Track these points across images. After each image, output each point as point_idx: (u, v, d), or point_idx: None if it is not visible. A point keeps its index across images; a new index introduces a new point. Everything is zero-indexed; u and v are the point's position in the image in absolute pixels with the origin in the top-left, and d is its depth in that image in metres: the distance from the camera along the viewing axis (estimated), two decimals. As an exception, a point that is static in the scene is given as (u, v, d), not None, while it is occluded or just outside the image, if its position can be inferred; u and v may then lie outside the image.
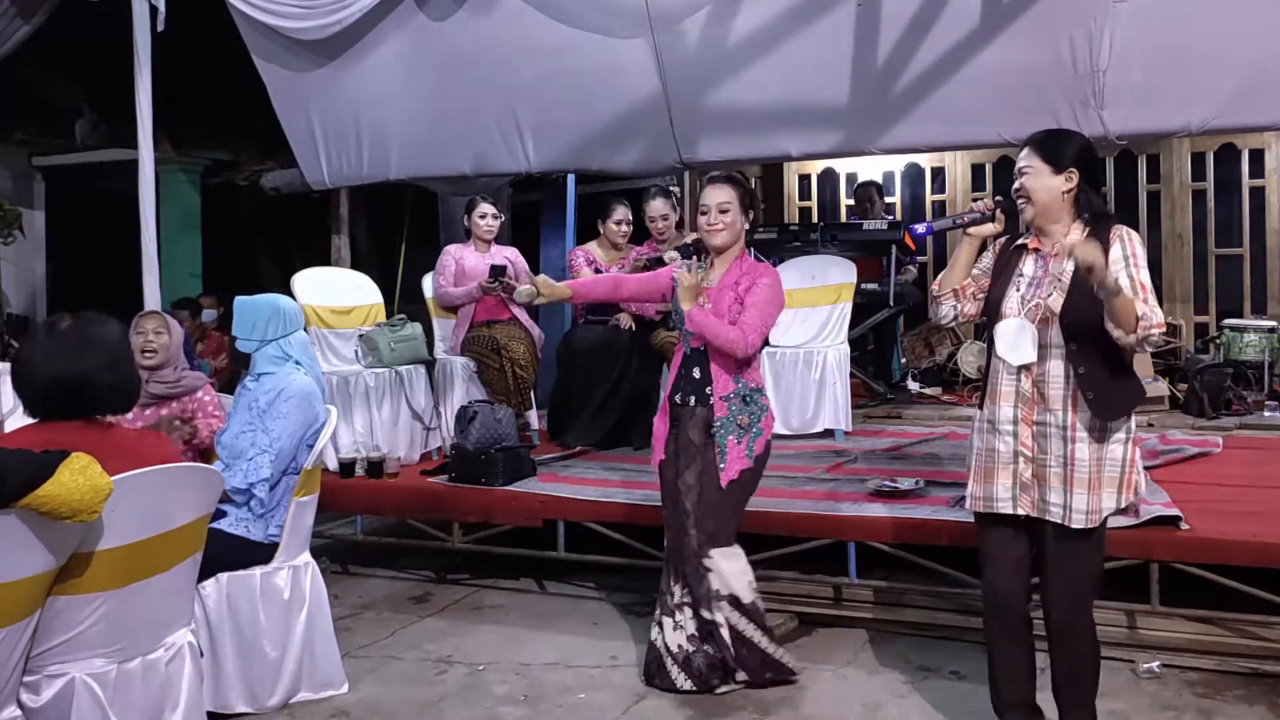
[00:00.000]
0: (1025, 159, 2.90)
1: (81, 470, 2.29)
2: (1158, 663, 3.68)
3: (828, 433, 5.99)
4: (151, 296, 5.38)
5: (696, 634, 3.58)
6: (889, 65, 5.26)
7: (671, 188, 6.68)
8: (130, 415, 3.94)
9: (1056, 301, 2.82)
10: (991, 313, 2.95)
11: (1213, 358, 6.90)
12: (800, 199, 9.89)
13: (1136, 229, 9.25)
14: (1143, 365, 6.64)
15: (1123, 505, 2.86)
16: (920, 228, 3.20)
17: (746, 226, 3.66)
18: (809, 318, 6.26)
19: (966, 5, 5.05)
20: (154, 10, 5.35)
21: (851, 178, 9.37)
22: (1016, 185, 2.92)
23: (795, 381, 6.03)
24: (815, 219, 9.50)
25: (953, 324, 3.13)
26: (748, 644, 3.56)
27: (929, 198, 9.45)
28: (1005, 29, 5.02)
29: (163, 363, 4.07)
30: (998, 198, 3.05)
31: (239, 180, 9.76)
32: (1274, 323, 6.97)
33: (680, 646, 3.58)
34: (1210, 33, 4.74)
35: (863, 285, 6.67)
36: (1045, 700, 3.04)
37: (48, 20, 6.26)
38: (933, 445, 5.77)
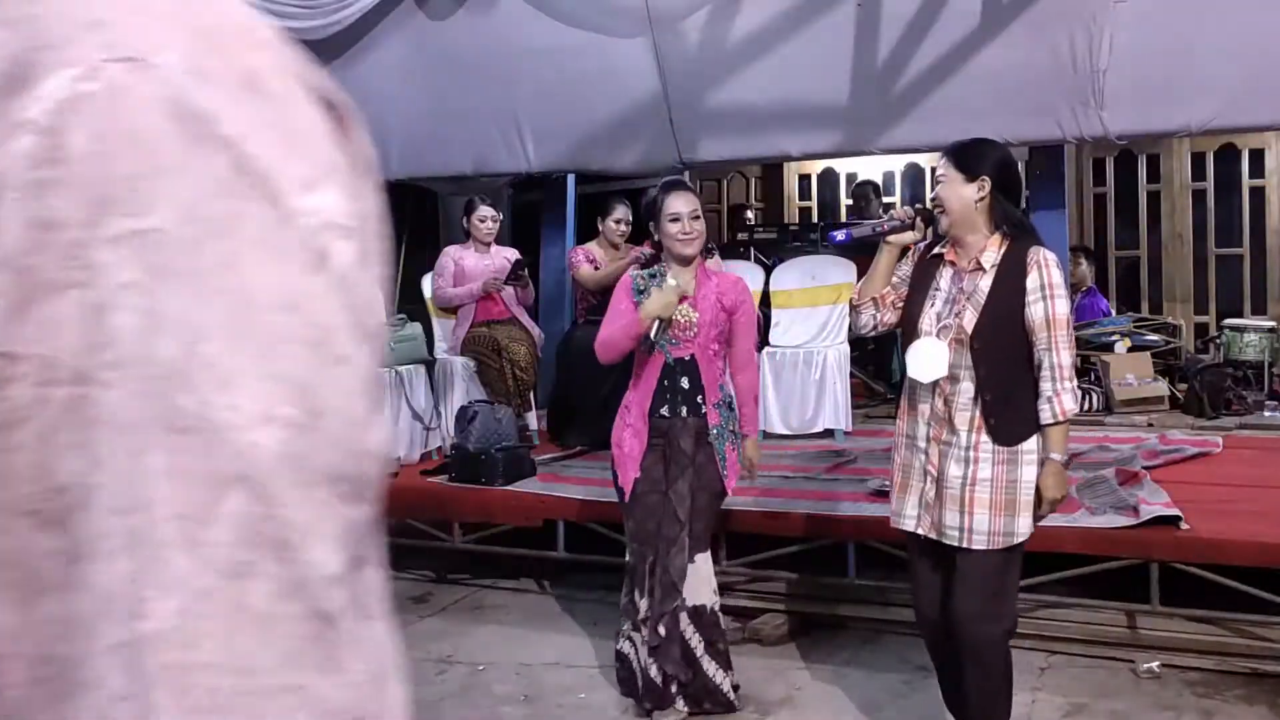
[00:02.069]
0: (941, 167, 2.87)
1: None
2: (1158, 663, 3.68)
3: (828, 433, 5.98)
4: (151, 296, 5.39)
5: (654, 647, 3.44)
6: (889, 65, 5.27)
7: (671, 188, 6.68)
8: None
9: (970, 321, 2.76)
10: (908, 327, 2.90)
11: (1213, 358, 6.89)
12: (800, 199, 9.90)
13: (1136, 229, 9.26)
14: (1143, 365, 6.64)
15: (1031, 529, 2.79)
16: (839, 234, 3.16)
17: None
18: (809, 318, 6.26)
19: (966, 5, 5.06)
20: (154, 10, 5.35)
21: (851, 178, 9.38)
22: (934, 194, 2.90)
23: (795, 381, 6.03)
24: (815, 219, 9.50)
25: (872, 333, 3.11)
26: (695, 665, 3.44)
27: (929, 197, 9.44)
28: (1005, 29, 5.03)
29: None
30: (916, 205, 3.01)
31: (239, 180, 9.75)
32: (1274, 323, 6.97)
33: (645, 662, 3.46)
34: (1210, 33, 4.75)
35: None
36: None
37: (48, 20, 6.26)
38: (933, 445, 5.76)
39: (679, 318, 3.49)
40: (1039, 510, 2.75)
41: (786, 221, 9.17)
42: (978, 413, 2.75)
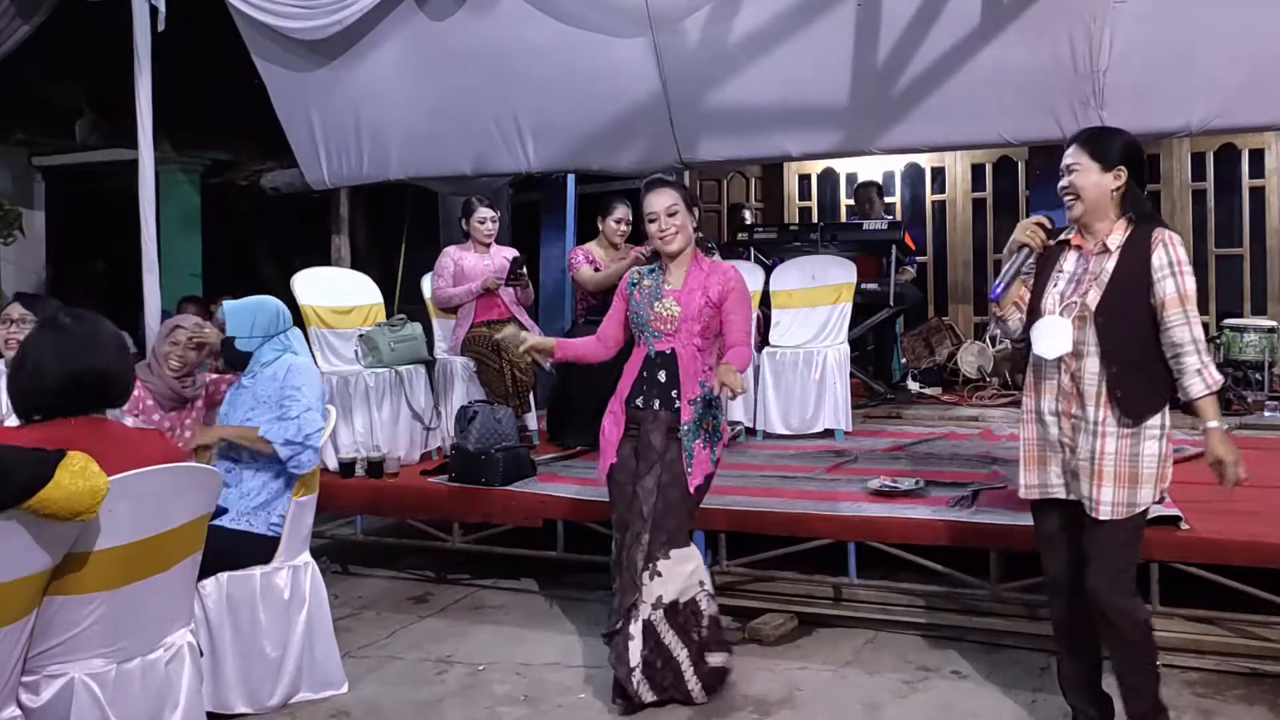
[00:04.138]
0: (1073, 156, 2.92)
1: (80, 472, 2.29)
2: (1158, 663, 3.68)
3: (828, 433, 5.99)
4: (151, 296, 5.38)
5: (609, 639, 3.49)
6: (889, 65, 5.26)
7: (671, 188, 6.67)
8: (157, 417, 3.96)
9: (1094, 300, 2.84)
10: (1032, 308, 2.98)
11: (1213, 358, 6.89)
12: (800, 199, 9.89)
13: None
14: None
15: (1156, 499, 2.91)
16: (994, 291, 3.12)
17: (695, 225, 3.58)
18: (809, 318, 6.26)
19: (966, 5, 5.05)
20: (154, 10, 5.35)
21: (851, 178, 9.37)
22: (1064, 183, 2.93)
23: (795, 381, 6.03)
24: (815, 219, 9.50)
25: (1023, 337, 3.10)
26: (665, 657, 3.44)
27: (929, 198, 9.45)
28: (1005, 29, 5.03)
29: (188, 369, 4.07)
30: (1039, 222, 3.00)
31: (239, 180, 9.76)
32: (1274, 323, 6.97)
33: (640, 656, 3.45)
34: (1210, 33, 4.75)
35: (863, 285, 6.66)
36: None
37: (48, 20, 6.26)
38: (933, 445, 5.76)
39: (663, 311, 3.50)
40: (1225, 482, 2.83)
41: (786, 221, 9.16)
42: (1104, 387, 2.84)
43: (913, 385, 7.48)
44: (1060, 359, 2.89)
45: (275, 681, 3.55)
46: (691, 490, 3.46)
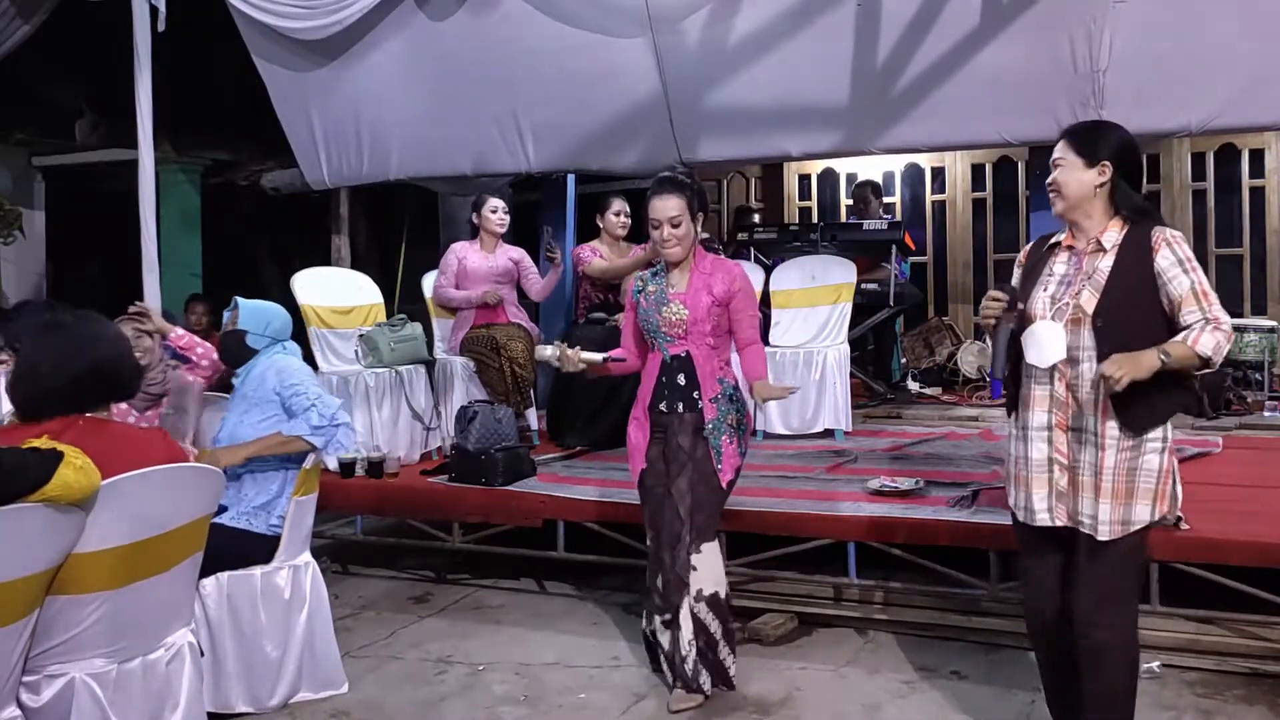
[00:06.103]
0: (1059, 151, 2.78)
1: (81, 470, 2.31)
2: (1158, 663, 3.68)
3: (828, 433, 5.99)
4: (152, 296, 5.37)
5: (669, 633, 3.55)
6: (889, 65, 5.27)
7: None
8: (134, 417, 3.95)
9: (1089, 301, 2.68)
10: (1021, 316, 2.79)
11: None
12: (800, 199, 9.89)
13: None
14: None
15: (1157, 518, 2.73)
16: (995, 385, 3.01)
17: (697, 229, 3.56)
18: (809, 318, 6.26)
19: (966, 5, 5.06)
20: (154, 10, 5.35)
21: (851, 178, 9.37)
22: (1050, 179, 2.80)
23: (795, 381, 6.02)
24: (815, 219, 9.50)
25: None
26: (712, 647, 3.52)
27: (929, 198, 9.45)
28: (1005, 29, 5.03)
29: (149, 364, 4.05)
30: (995, 297, 2.77)
31: (239, 180, 9.75)
32: (1274, 323, 6.98)
33: (695, 646, 3.54)
34: (1210, 33, 4.75)
35: (863, 285, 6.67)
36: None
37: (48, 20, 6.26)
38: (933, 445, 5.76)
39: (671, 316, 3.53)
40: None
41: (786, 221, 9.17)
42: (1102, 395, 2.66)
43: (913, 385, 7.48)
44: (1054, 366, 2.72)
45: (275, 681, 3.55)
46: (724, 486, 3.54)
